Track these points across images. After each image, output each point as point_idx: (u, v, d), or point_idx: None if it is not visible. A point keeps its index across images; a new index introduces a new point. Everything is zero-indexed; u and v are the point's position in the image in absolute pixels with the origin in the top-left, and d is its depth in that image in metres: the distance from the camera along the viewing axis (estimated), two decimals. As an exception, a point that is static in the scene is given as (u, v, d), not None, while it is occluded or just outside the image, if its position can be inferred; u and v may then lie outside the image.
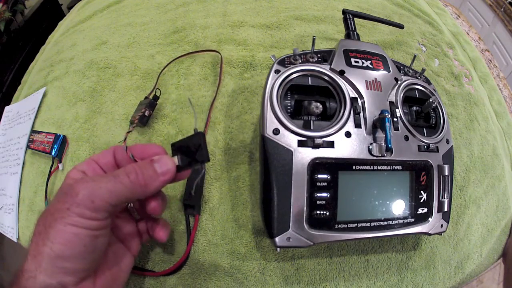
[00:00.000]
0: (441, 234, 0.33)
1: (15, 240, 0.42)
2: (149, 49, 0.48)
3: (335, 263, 0.34)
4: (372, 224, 0.30)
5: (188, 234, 0.34)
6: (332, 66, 0.32)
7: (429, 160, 0.32)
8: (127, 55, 0.48)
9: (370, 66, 0.33)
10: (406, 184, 0.31)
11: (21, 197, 0.44)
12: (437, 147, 0.33)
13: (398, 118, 0.32)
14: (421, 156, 0.32)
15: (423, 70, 0.37)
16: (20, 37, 1.52)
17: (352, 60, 0.33)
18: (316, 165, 0.29)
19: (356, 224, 0.29)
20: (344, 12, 0.40)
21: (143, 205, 0.27)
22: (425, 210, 0.32)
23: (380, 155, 0.30)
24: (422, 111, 0.35)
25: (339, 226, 0.29)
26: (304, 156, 0.29)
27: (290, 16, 0.50)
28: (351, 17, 0.39)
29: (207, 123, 0.39)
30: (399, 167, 0.31)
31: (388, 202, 0.30)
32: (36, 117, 0.48)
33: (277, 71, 0.31)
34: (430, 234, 0.32)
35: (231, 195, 0.36)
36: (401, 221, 0.31)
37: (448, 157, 0.34)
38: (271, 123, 0.29)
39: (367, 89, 0.32)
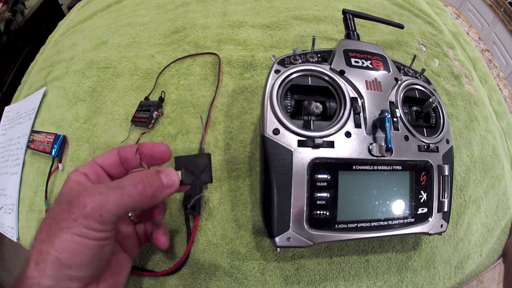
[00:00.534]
0: (441, 234, 0.33)
1: (15, 240, 0.42)
2: (149, 49, 0.48)
3: (335, 263, 0.34)
4: (372, 224, 0.30)
5: (188, 234, 0.34)
6: (332, 66, 0.32)
7: (429, 160, 0.32)
8: (127, 55, 0.48)
9: (370, 66, 0.33)
10: (406, 184, 0.31)
11: (21, 197, 0.44)
12: (437, 147, 0.33)
13: (398, 118, 0.32)
14: (421, 156, 0.32)
15: (423, 70, 0.37)
16: (20, 37, 1.52)
17: (352, 60, 0.33)
18: (316, 165, 0.29)
19: (356, 224, 0.29)
20: (344, 12, 0.40)
21: (145, 211, 0.27)
22: (425, 210, 0.32)
23: (380, 155, 0.30)
24: (422, 111, 0.35)
25: (339, 226, 0.29)
26: (304, 156, 0.29)
27: (290, 16, 0.50)
28: (351, 17, 0.39)
29: (207, 123, 0.39)
30: (399, 167, 0.31)
31: (388, 202, 0.30)
32: (36, 117, 0.49)
33: (277, 71, 0.31)
34: (430, 234, 0.32)
35: (231, 195, 0.36)
36: (401, 221, 0.31)
37: (448, 157, 0.34)
38: (271, 123, 0.29)
39: (367, 89, 0.32)
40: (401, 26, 0.44)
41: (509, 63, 1.46)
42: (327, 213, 0.29)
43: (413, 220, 0.31)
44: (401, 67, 0.36)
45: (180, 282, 0.33)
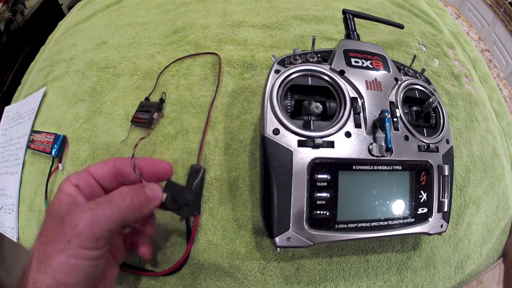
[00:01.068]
0: (441, 234, 0.33)
1: (15, 240, 0.42)
2: (149, 49, 0.48)
3: (335, 263, 0.34)
4: (372, 224, 0.30)
5: (188, 234, 0.34)
6: (332, 66, 0.32)
7: (429, 160, 0.32)
8: (127, 55, 0.48)
9: (370, 66, 0.33)
10: (406, 184, 0.31)
11: (21, 197, 0.44)
12: (437, 147, 0.33)
13: (398, 118, 0.32)
14: (421, 156, 0.32)
15: (423, 70, 0.37)
16: (20, 37, 1.52)
17: (352, 60, 0.33)
18: (316, 165, 0.29)
19: (356, 224, 0.29)
20: (344, 12, 0.40)
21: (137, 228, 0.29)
22: (425, 210, 0.32)
23: (380, 155, 0.30)
24: (422, 111, 0.35)
25: (339, 226, 0.29)
26: (304, 156, 0.29)
27: (290, 16, 0.50)
28: (351, 17, 0.39)
29: (207, 123, 0.39)
30: (399, 167, 0.31)
31: (388, 202, 0.30)
32: (36, 117, 0.49)
33: (277, 71, 0.31)
34: (430, 234, 0.32)
35: (231, 195, 0.36)
36: (401, 221, 0.31)
37: (448, 157, 0.34)
38: (271, 123, 0.29)
39: (367, 89, 0.32)
40: (401, 26, 0.43)
41: (509, 63, 1.46)
42: (327, 213, 0.29)
43: (413, 220, 0.31)
44: (401, 67, 0.36)
45: (180, 282, 0.33)
